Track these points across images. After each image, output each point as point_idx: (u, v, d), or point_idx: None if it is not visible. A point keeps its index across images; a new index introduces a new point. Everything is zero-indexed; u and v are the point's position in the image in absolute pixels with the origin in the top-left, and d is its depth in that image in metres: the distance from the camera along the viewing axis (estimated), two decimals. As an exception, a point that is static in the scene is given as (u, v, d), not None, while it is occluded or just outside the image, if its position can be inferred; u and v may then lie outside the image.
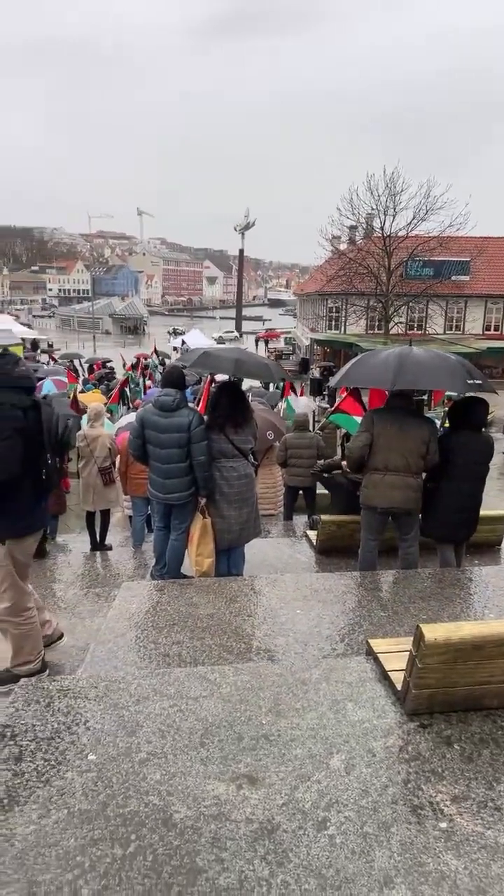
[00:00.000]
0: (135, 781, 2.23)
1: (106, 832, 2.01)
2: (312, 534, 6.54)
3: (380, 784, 2.26)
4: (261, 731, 2.52)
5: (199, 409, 6.41)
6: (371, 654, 3.16)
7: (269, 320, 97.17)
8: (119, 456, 7.57)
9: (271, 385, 17.51)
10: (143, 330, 75.78)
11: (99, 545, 7.73)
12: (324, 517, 6.21)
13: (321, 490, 8.31)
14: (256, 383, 20.55)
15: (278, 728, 2.55)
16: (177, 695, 2.75)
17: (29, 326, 46.54)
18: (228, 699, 2.73)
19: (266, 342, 57.37)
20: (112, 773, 2.27)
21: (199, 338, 33.76)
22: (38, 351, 32.64)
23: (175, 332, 65.38)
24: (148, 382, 19.81)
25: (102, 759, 2.33)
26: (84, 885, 1.82)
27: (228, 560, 5.25)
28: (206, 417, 5.16)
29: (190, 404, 5.42)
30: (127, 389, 17.63)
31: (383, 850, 1.98)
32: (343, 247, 34.72)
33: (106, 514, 7.86)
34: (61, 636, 4.18)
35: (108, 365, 28.79)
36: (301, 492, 8.67)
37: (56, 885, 1.81)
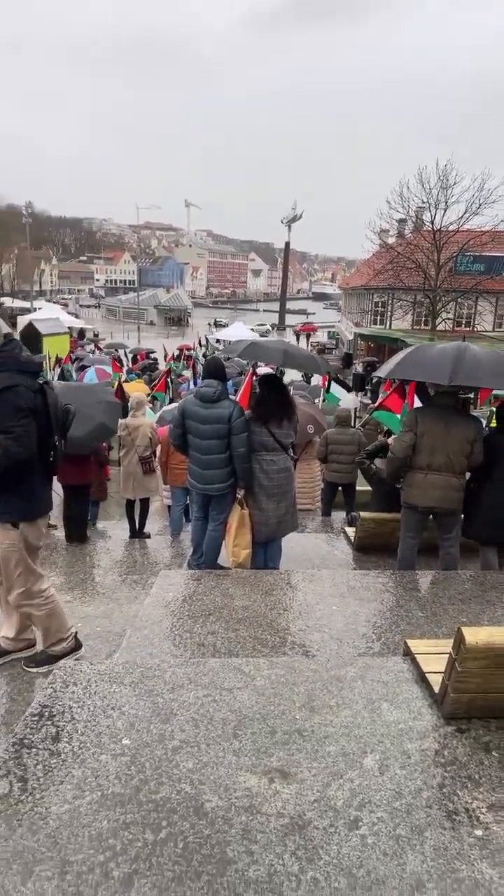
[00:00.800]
0: (167, 768, 2.24)
1: (138, 816, 2.03)
2: (350, 530, 6.48)
3: (414, 787, 2.22)
4: (294, 726, 2.51)
5: (239, 401, 6.41)
6: (408, 654, 3.11)
7: (313, 314, 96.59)
8: (160, 446, 7.63)
9: (313, 379, 17.41)
10: (187, 321, 76.24)
11: (137, 533, 7.83)
12: (363, 514, 6.15)
13: (360, 487, 8.23)
14: (298, 376, 20.47)
15: (312, 724, 2.53)
16: (211, 685, 2.76)
17: (76, 316, 47.35)
18: (262, 692, 2.73)
19: (307, 336, 57.04)
20: (145, 758, 2.29)
21: (241, 330, 33.78)
22: (85, 340, 33.15)
23: (216, 324, 65.58)
24: (186, 373, 19.90)
25: (136, 745, 2.36)
26: (115, 867, 1.84)
27: (265, 553, 5.25)
28: (247, 410, 5.16)
29: (231, 396, 5.43)
30: (169, 380, 17.79)
31: (416, 854, 1.94)
32: (391, 240, 34.19)
33: (145, 503, 7.94)
34: (34, 643, 3.97)
35: (152, 356, 29.08)
36: (340, 488, 8.60)
37: (88, 866, 1.84)
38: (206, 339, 27.85)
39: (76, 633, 3.86)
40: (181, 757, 2.30)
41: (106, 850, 1.89)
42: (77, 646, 3.80)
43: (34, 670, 3.58)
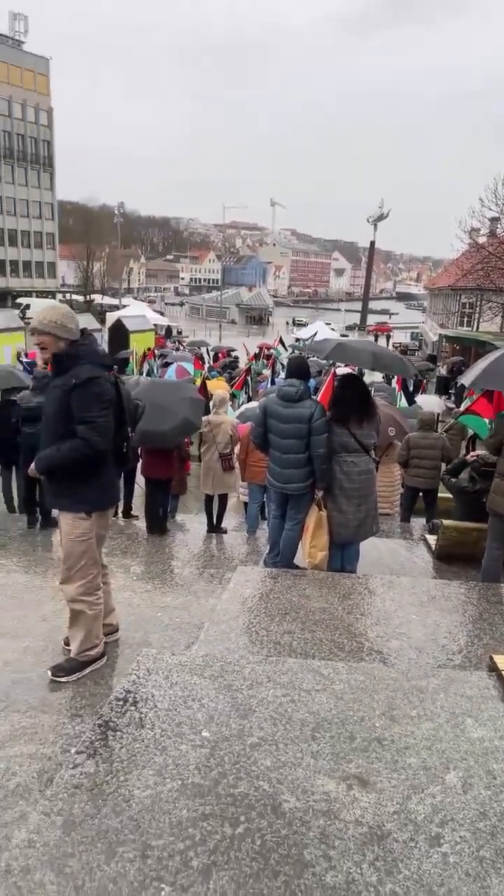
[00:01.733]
0: (246, 764, 2.26)
1: (216, 809, 2.05)
2: (431, 538, 6.31)
3: (500, 809, 2.14)
4: (373, 734, 2.47)
5: (320, 400, 6.37)
6: (494, 670, 3.00)
7: (396, 314, 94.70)
8: (239, 443, 7.71)
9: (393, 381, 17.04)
10: (268, 320, 76.56)
11: (215, 528, 7.93)
12: (445, 522, 5.97)
13: (442, 493, 8.00)
14: (379, 377, 20.11)
15: (392, 734, 2.48)
16: (289, 685, 2.76)
17: (161, 314, 48.51)
18: (341, 696, 2.70)
19: (387, 337, 55.92)
20: (224, 752, 2.32)
21: (322, 330, 33.55)
22: (173, 337, 33.90)
23: (295, 323, 65.40)
24: (266, 372, 19.96)
25: (215, 738, 2.39)
26: (194, 856, 1.87)
27: (343, 555, 5.19)
28: (328, 410, 5.12)
29: (312, 396, 5.40)
30: (249, 378, 17.92)
31: (501, 879, 1.87)
32: (482, 240, 32.94)
33: (223, 499, 8.04)
34: (117, 629, 3.97)
35: (233, 354, 29.38)
36: (421, 493, 8.38)
37: (168, 853, 1.88)
38: (282, 342, 27.68)
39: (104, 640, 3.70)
40: (259, 754, 2.31)
41: (186, 839, 1.93)
42: (103, 654, 3.59)
43: (64, 679, 3.38)
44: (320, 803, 2.10)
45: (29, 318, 28.45)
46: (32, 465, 3.38)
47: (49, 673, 3.43)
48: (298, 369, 5.25)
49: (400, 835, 2.00)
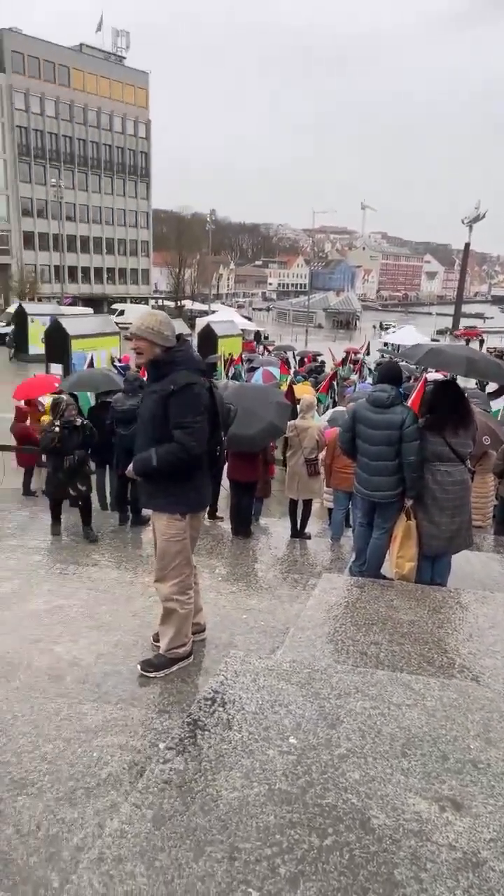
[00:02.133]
0: (333, 775, 2.23)
1: (304, 818, 2.03)
2: (528, 553, 6.00)
3: None
4: (468, 756, 2.37)
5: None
6: None
7: (491, 318, 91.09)
8: (325, 448, 7.65)
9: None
10: (355, 325, 75.68)
11: (299, 533, 7.91)
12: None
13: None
14: (472, 384, 19.39)
15: (488, 757, 2.37)
16: (378, 697, 2.70)
17: (249, 319, 49.07)
18: (433, 713, 2.61)
19: (480, 341, 53.76)
20: (311, 761, 2.29)
21: (412, 335, 32.81)
22: (263, 341, 34.20)
23: (382, 327, 64.24)
24: (353, 377, 19.72)
25: (303, 745, 2.37)
26: (282, 864, 1.86)
27: (433, 568, 5.03)
28: (420, 417, 4.98)
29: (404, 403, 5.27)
30: (335, 384, 17.78)
31: None
32: None
33: (308, 504, 8.00)
34: (204, 628, 3.98)
35: (319, 359, 29.24)
36: (517, 506, 8.01)
37: (255, 857, 1.88)
38: (368, 346, 27.13)
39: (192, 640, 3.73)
40: (348, 766, 2.27)
41: (273, 845, 1.92)
42: (190, 653, 3.62)
43: (152, 675, 3.43)
44: (411, 823, 2.03)
45: (124, 324, 29.62)
46: (130, 466, 3.49)
47: (139, 668, 3.52)
48: (390, 374, 5.15)
49: (497, 864, 1.90)
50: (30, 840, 2.14)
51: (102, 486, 8.78)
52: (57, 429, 6.84)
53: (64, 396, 7.48)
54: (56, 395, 7.73)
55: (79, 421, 7.03)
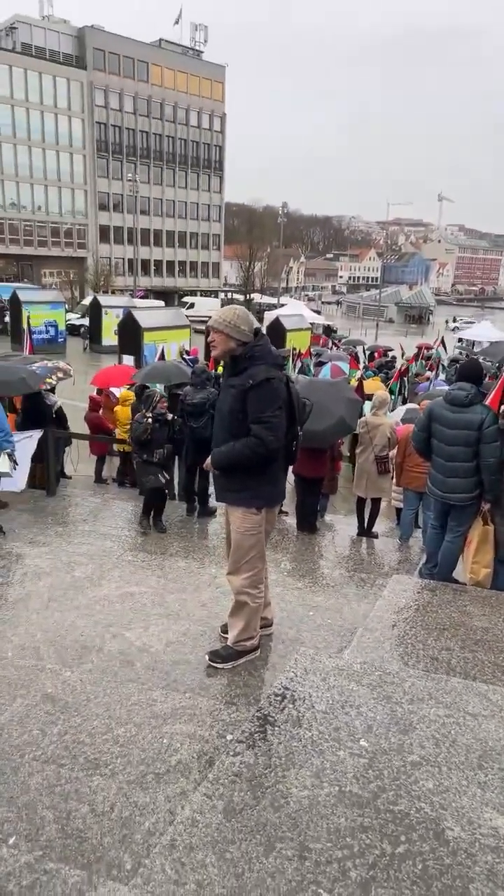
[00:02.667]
0: (406, 782, 2.19)
1: (375, 823, 2.01)
2: None
3: None
4: (548, 774, 2.27)
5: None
6: None
7: None
8: (397, 446, 7.49)
9: None
10: (428, 319, 73.82)
11: (366, 531, 7.80)
12: None
13: None
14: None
15: None
16: (453, 705, 2.63)
17: (318, 312, 48.67)
18: (511, 727, 2.52)
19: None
20: (383, 765, 2.26)
21: (488, 331, 31.72)
22: (334, 335, 33.86)
23: (454, 321, 62.30)
24: (428, 373, 19.24)
25: (374, 749, 2.34)
26: (352, 868, 1.84)
27: (509, 574, 4.85)
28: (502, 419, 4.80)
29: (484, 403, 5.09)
30: (406, 379, 17.41)
31: None
32: None
33: (376, 503, 7.87)
34: (272, 623, 3.98)
35: (390, 354, 28.68)
36: None
37: (326, 858, 1.87)
38: (444, 342, 26.21)
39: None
40: (421, 774, 2.22)
41: (344, 848, 1.91)
42: (257, 646, 3.63)
43: (220, 666, 3.46)
44: (488, 838, 1.97)
45: (194, 317, 29.98)
46: (208, 459, 3.52)
47: (206, 658, 3.56)
48: (471, 372, 4.98)
49: None
50: (104, 820, 2.21)
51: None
52: (150, 420, 6.88)
53: (158, 388, 7.57)
54: (146, 388, 7.82)
55: (169, 415, 7.10)
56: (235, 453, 3.30)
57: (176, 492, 8.79)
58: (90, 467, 10.50)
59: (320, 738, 2.39)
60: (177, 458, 8.61)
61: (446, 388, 8.18)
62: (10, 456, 6.22)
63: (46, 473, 8.41)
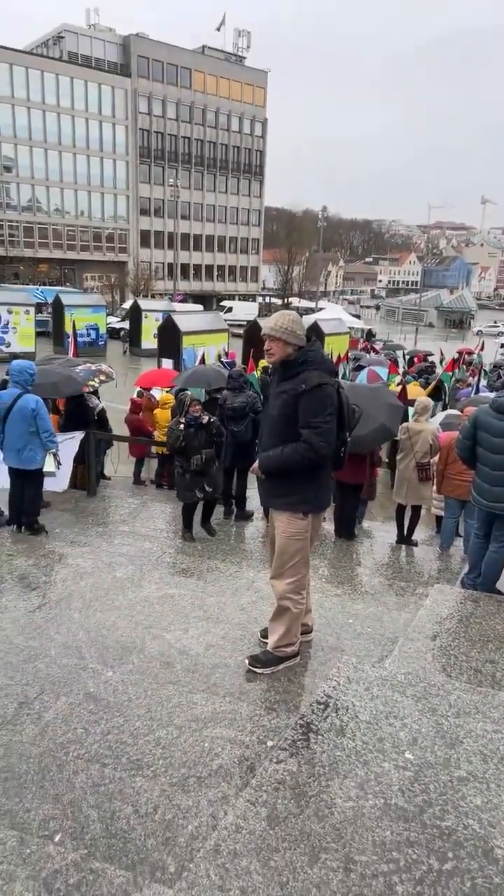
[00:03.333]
0: (453, 797, 2.14)
1: (422, 838, 1.97)
2: None
3: None
4: None
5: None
6: None
7: None
8: (438, 453, 7.38)
9: None
10: (469, 324, 72.62)
11: (405, 539, 7.70)
12: None
13: None
14: None
15: None
16: (501, 721, 2.57)
17: (357, 317, 48.36)
18: None
19: None
20: (429, 779, 2.22)
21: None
22: (374, 339, 33.57)
23: (496, 326, 61.13)
24: (470, 379, 18.91)
25: (419, 762, 2.30)
26: (399, 883, 1.81)
27: None
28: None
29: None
30: (446, 386, 17.15)
31: None
32: None
33: (416, 510, 7.76)
34: (312, 629, 3.95)
35: (429, 359, 28.30)
36: None
37: (371, 872, 1.84)
38: (483, 345, 25.66)
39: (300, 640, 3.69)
40: (468, 790, 2.18)
41: (390, 862, 1.88)
42: (297, 653, 3.60)
43: (259, 671, 3.45)
44: (539, 860, 1.91)
45: (232, 321, 30.06)
46: (255, 464, 3.52)
47: (246, 662, 3.55)
48: (518, 379, 4.87)
49: None
50: (147, 822, 2.22)
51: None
52: (182, 426, 6.64)
53: (189, 392, 7.33)
54: (181, 391, 7.82)
55: (205, 418, 6.82)
56: (285, 458, 3.29)
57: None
58: (129, 469, 10.64)
59: (364, 748, 2.36)
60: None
61: (490, 394, 8.02)
62: (55, 456, 6.33)
63: (87, 474, 8.54)
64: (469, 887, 1.81)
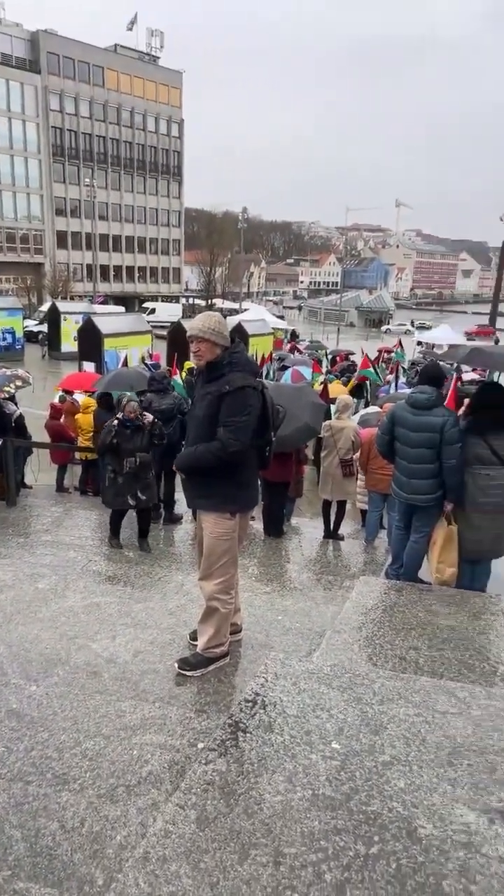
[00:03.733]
0: (378, 782, 2.20)
1: (349, 825, 2.01)
2: None
3: None
4: (516, 767, 2.32)
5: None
6: None
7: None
8: (360, 449, 7.58)
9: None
10: (388, 323, 74.97)
11: (332, 534, 7.86)
12: None
13: None
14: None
15: (537, 769, 2.31)
16: (422, 704, 2.66)
17: (281, 318, 48.95)
18: (479, 723, 2.56)
19: (496, 340, 52.44)
20: (355, 767, 2.27)
21: (447, 334, 32.39)
22: (299, 340, 34.00)
23: (413, 326, 63.47)
24: (388, 376, 19.52)
25: (346, 751, 2.34)
26: (327, 870, 1.84)
27: (473, 573, 4.95)
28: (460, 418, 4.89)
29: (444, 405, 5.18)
30: (367, 384, 17.64)
31: None
32: None
33: (342, 505, 7.94)
34: (241, 629, 3.96)
35: (351, 357, 29.02)
36: None
37: (300, 862, 1.86)
38: (401, 344, 26.53)
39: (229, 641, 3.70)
40: (392, 774, 2.24)
41: (318, 851, 1.90)
42: (226, 653, 3.61)
43: (189, 673, 3.44)
44: (459, 834, 1.99)
45: (155, 322, 29.77)
46: (175, 461, 3.51)
47: (175, 666, 3.52)
48: (432, 375, 5.06)
49: (549, 881, 1.85)
50: (74, 836, 2.16)
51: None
52: (116, 423, 6.40)
53: (128, 393, 7.15)
54: (108, 396, 7.67)
55: (149, 417, 6.60)
56: (198, 455, 3.30)
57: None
58: (52, 476, 10.33)
59: (292, 742, 2.38)
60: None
61: (408, 391, 8.31)
62: None
63: (6, 483, 8.24)
64: (395, 868, 1.86)
